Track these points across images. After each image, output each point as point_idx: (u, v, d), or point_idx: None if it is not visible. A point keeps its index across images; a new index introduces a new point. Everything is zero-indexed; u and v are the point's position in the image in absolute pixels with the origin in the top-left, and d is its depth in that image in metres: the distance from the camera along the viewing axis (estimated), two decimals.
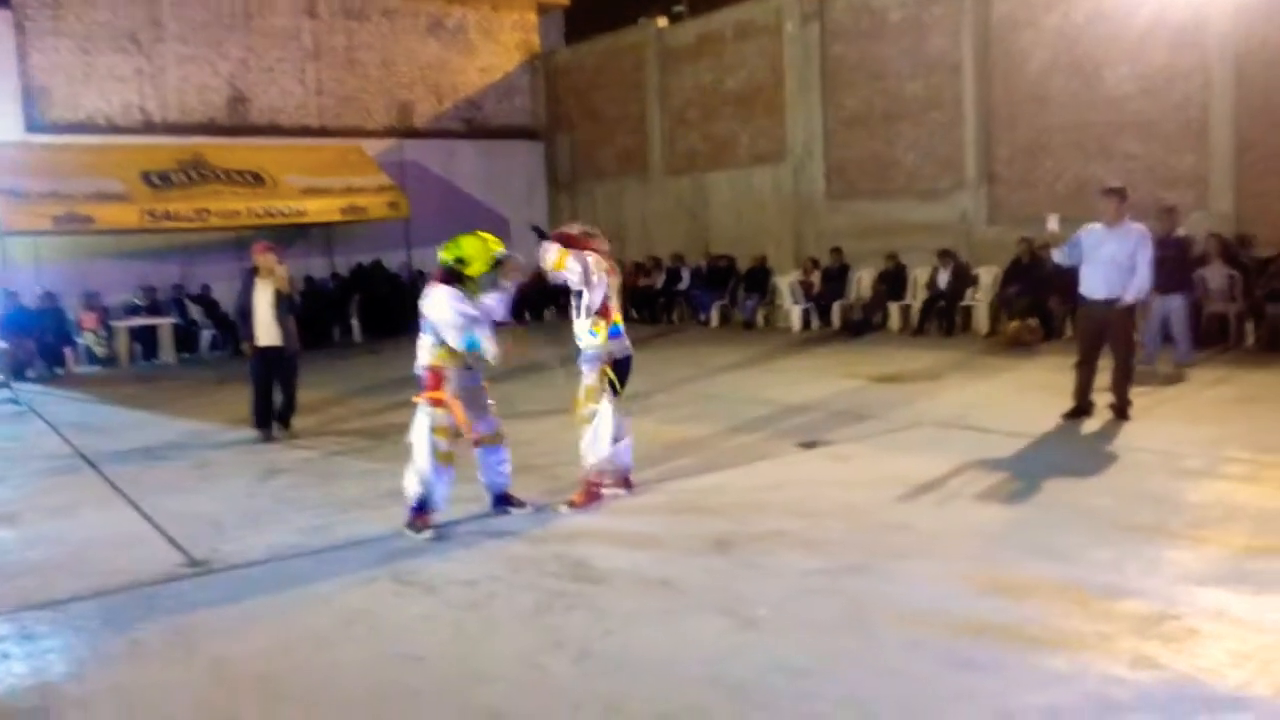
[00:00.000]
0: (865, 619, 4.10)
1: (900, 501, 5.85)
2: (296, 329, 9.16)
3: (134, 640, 4.34)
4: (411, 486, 5.66)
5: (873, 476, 6.40)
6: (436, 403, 5.64)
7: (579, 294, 6.01)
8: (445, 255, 5.72)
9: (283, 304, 8.86)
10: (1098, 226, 7.79)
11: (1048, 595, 4.26)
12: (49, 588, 5.10)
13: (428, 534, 5.57)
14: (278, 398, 9.08)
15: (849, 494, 6.02)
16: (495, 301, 5.85)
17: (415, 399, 5.75)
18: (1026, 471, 6.34)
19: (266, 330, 8.84)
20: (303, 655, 4.08)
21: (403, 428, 9.17)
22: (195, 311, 17.02)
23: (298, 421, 9.28)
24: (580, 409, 6.10)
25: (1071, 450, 6.95)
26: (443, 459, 5.62)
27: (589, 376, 6.06)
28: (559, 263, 5.91)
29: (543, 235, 6.20)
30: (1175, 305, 9.65)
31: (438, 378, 5.67)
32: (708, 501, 6.05)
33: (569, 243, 6.02)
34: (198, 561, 5.39)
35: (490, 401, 5.96)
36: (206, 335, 16.75)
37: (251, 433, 9.00)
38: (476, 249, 5.71)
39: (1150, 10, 12.47)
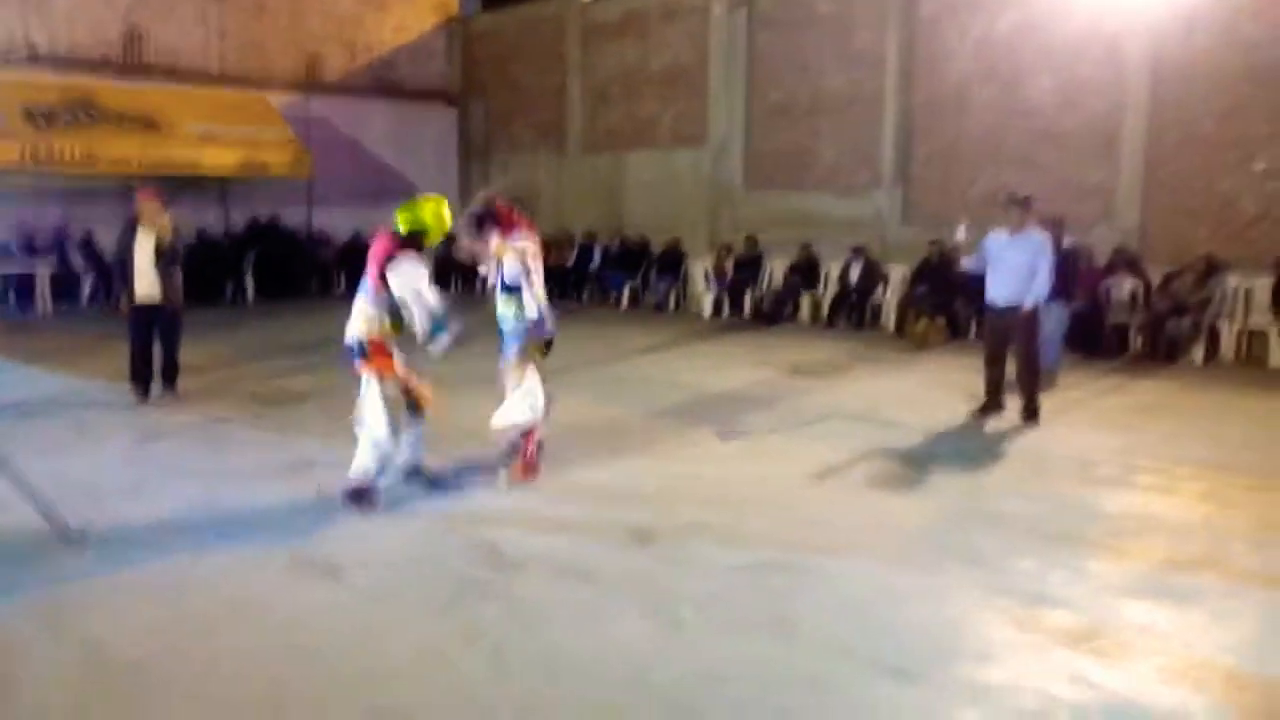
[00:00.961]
0: (791, 621, 3.95)
1: (819, 495, 5.75)
2: (181, 283, 8.57)
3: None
4: (365, 462, 5.30)
5: (790, 468, 6.28)
6: (385, 373, 5.29)
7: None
8: (403, 221, 5.34)
9: (165, 255, 8.25)
10: (1002, 234, 7.89)
11: (974, 603, 4.18)
12: None
13: (378, 510, 5.25)
14: (159, 356, 8.50)
15: (768, 486, 5.89)
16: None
17: (361, 370, 5.35)
18: (940, 470, 6.31)
19: (147, 283, 8.22)
20: (184, 642, 3.72)
21: (298, 395, 8.86)
22: (76, 259, 15.99)
23: (183, 382, 8.72)
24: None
25: (983, 450, 6.96)
26: (395, 430, 5.34)
27: (513, 354, 5.82)
28: (498, 251, 5.72)
29: (484, 212, 5.84)
30: (1053, 313, 9.68)
31: (383, 350, 5.31)
32: (626, 489, 5.83)
33: (503, 220, 5.77)
34: (70, 535, 4.92)
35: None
36: (87, 284, 15.75)
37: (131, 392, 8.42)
38: (434, 220, 5.40)
39: (1072, 24, 12.68)
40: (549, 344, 6.00)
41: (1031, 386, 7.92)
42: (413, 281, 5.23)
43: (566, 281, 17.03)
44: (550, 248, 17.34)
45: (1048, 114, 13.07)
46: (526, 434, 5.93)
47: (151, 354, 8.45)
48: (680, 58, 17.08)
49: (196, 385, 8.94)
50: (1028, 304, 7.72)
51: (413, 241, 5.36)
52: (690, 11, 16.89)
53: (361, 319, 5.34)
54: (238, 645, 3.72)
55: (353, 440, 5.41)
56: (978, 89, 13.72)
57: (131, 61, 17.19)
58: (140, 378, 8.41)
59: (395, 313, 5.30)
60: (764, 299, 15.00)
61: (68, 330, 13.02)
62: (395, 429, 5.36)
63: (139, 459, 6.57)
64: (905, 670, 3.54)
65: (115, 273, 8.74)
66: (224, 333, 12.69)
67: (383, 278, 5.27)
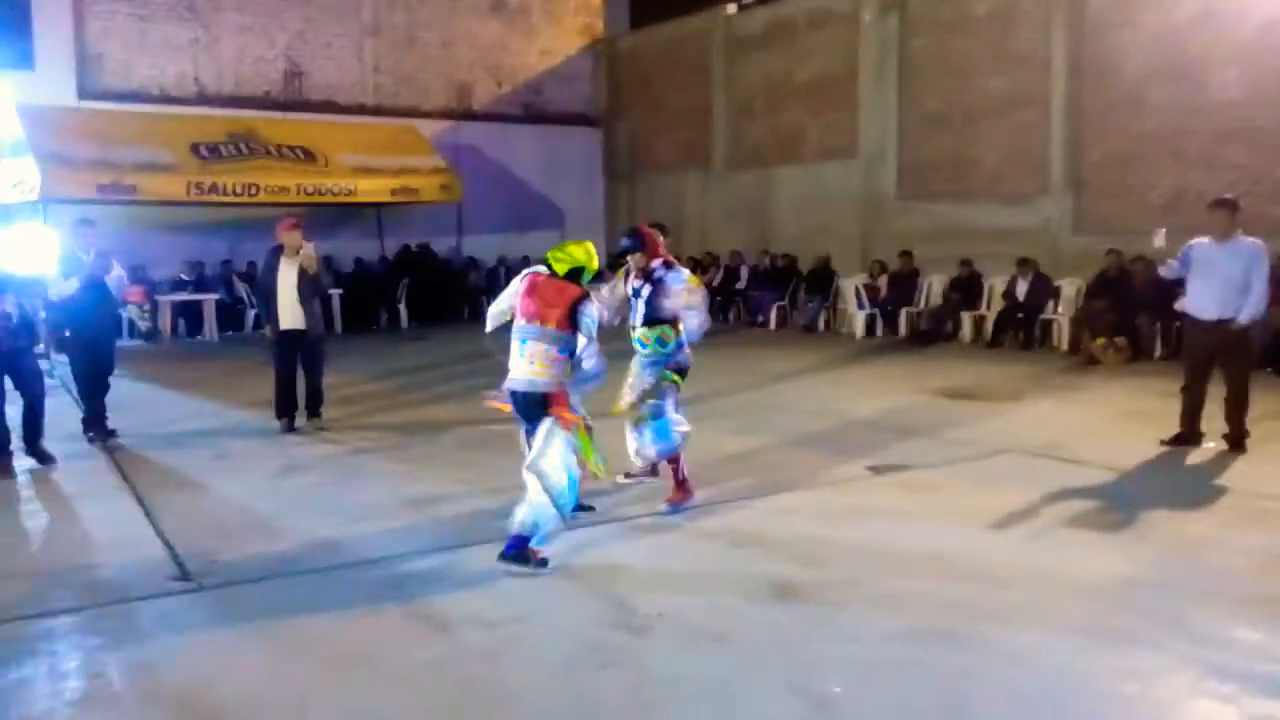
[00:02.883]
0: (962, 707, 3.34)
1: (992, 547, 5.05)
2: (324, 312, 8.56)
3: (96, 674, 3.72)
4: (542, 513, 4.69)
5: (957, 513, 5.60)
6: (569, 424, 4.84)
7: (652, 299, 5.68)
8: (559, 263, 4.92)
9: (308, 285, 8.22)
10: (1206, 241, 7.11)
11: (1188, 686, 3.47)
12: (25, 597, 4.53)
13: (547, 566, 4.71)
14: (304, 385, 8.50)
15: (932, 535, 5.24)
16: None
17: (548, 419, 4.79)
18: (1137, 517, 5.49)
19: (289, 313, 8.21)
20: (283, 711, 3.43)
21: (441, 424, 8.70)
22: (241, 289, 16.61)
23: (328, 411, 8.70)
24: (633, 409, 5.74)
25: (1185, 492, 6.07)
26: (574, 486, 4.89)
27: (648, 380, 5.70)
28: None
29: (634, 238, 5.79)
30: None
31: (566, 398, 4.88)
32: (768, 533, 5.31)
33: (655, 249, 5.78)
34: (190, 575, 4.77)
35: None
36: (251, 313, 16.33)
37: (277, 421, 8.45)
38: (587, 257, 4.98)
39: (1259, 8, 11.45)
40: (684, 372, 5.88)
41: (1240, 412, 7.06)
42: (596, 322, 4.91)
43: (711, 303, 16.56)
44: (695, 270, 17.05)
45: (1237, 110, 11.82)
46: (675, 459, 5.73)
47: (295, 384, 8.46)
48: (828, 67, 16.43)
49: (342, 414, 8.92)
50: (1241, 318, 6.89)
51: (576, 280, 4.99)
52: (838, 19, 16.24)
53: (545, 364, 4.81)
54: (333, 713, 3.40)
55: (518, 489, 4.87)
56: (1155, 86, 12.56)
57: (291, 97, 17.82)
58: (285, 408, 8.43)
59: (571, 353, 4.88)
60: (921, 318, 14.17)
61: (230, 358, 13.42)
62: (575, 484, 4.85)
63: (274, 493, 6.47)
64: None
65: (259, 303, 8.81)
66: (376, 360, 12.83)
67: (572, 320, 4.82)
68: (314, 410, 8.60)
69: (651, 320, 5.71)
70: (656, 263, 5.77)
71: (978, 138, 14.44)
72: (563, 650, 3.84)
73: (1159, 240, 7.46)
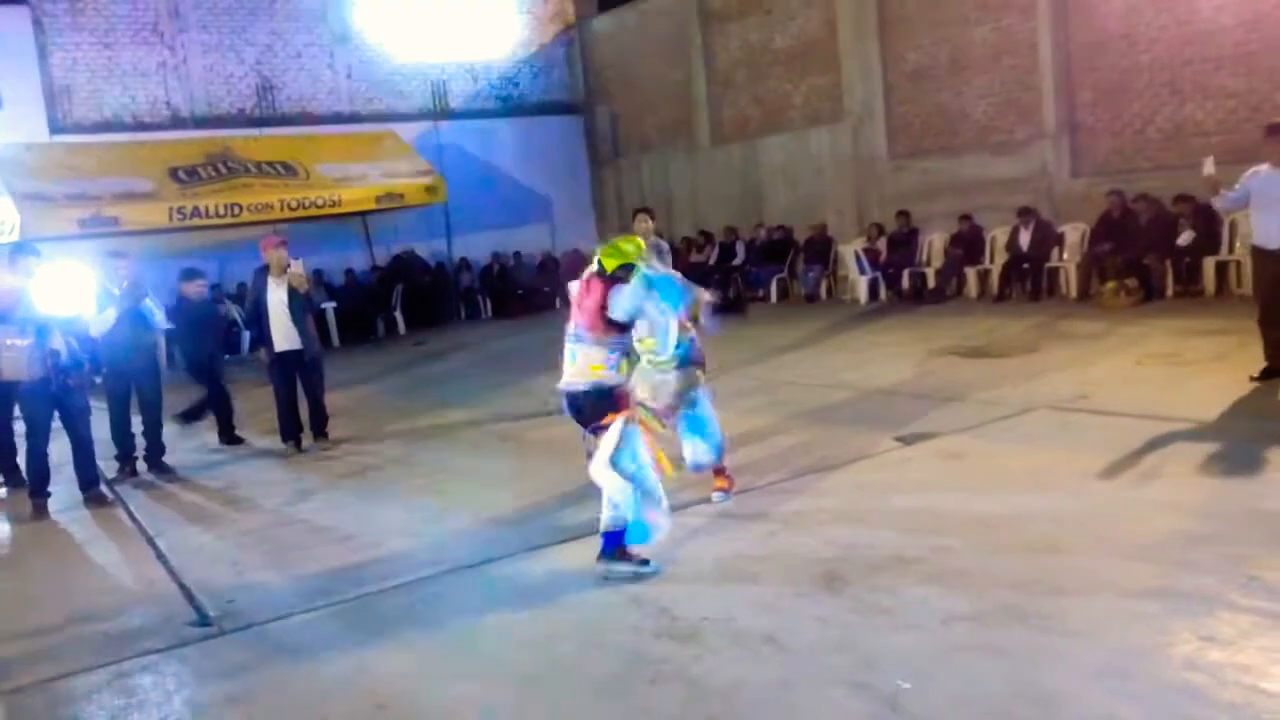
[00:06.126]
0: (1046, 693, 3.12)
1: (1041, 512, 4.81)
2: (316, 329, 8.36)
3: None
4: (626, 504, 4.45)
5: (997, 479, 5.39)
6: (633, 414, 4.61)
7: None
8: (608, 261, 4.59)
9: (298, 303, 8.02)
10: (1265, 169, 6.99)
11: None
12: (41, 656, 4.33)
13: (650, 566, 4.50)
14: (307, 405, 8.30)
15: (973, 503, 5.03)
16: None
17: (605, 421, 4.52)
18: (1187, 466, 5.27)
19: (283, 333, 8.02)
20: None
21: (449, 429, 8.51)
22: (234, 311, 16.36)
23: (335, 427, 8.51)
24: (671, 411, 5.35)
25: (1234, 436, 5.81)
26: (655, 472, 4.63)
27: (679, 381, 5.28)
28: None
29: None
30: None
31: (624, 396, 4.60)
32: (803, 516, 5.10)
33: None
34: (208, 619, 4.56)
35: None
36: (246, 335, 16.08)
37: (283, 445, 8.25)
38: (635, 250, 4.65)
39: None
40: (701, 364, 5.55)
41: None
42: (633, 293, 4.54)
43: (709, 281, 16.31)
44: (689, 249, 16.79)
45: (1229, 36, 11.55)
46: None
47: (297, 405, 8.27)
48: (806, 29, 16.15)
49: (350, 429, 8.77)
50: None
51: (622, 277, 4.73)
52: None
53: (590, 365, 4.54)
54: None
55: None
56: (1144, 18, 12.29)
57: (266, 112, 17.53)
58: (290, 432, 8.25)
59: (627, 352, 4.63)
60: (924, 277, 13.94)
61: (229, 382, 13.14)
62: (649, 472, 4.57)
63: (289, 522, 6.27)
64: None
65: (250, 326, 8.63)
66: (376, 370, 12.62)
67: (606, 319, 4.53)
68: (320, 430, 8.42)
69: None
70: None
71: (966, 88, 14.17)
72: (607, 667, 3.63)
73: (1209, 168, 7.27)
